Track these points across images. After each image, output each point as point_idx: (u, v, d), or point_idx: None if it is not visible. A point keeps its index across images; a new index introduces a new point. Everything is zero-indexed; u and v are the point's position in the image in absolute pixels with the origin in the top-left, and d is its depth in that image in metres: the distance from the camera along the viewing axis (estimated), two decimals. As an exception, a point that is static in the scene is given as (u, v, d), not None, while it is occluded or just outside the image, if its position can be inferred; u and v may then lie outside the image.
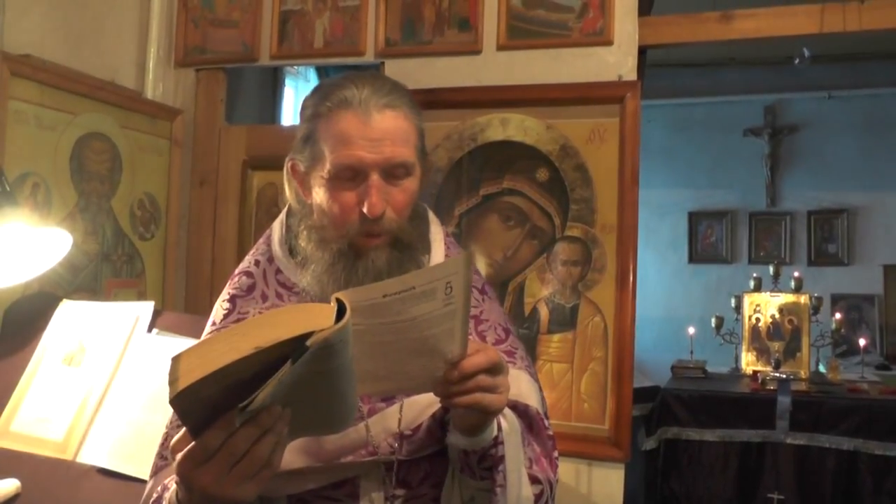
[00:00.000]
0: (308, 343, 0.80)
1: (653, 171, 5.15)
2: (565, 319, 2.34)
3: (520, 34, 2.42)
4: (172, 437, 1.07)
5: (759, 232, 6.04)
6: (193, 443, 0.86)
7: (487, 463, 1.07)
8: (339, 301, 0.86)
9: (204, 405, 0.82)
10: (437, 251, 1.26)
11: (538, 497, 1.15)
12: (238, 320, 1.22)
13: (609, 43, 2.34)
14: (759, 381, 3.86)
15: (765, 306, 4.35)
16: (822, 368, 4.26)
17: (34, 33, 2.29)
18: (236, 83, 3.06)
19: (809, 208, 5.90)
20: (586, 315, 2.32)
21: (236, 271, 1.31)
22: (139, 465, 1.57)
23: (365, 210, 1.10)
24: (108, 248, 2.45)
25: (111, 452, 1.62)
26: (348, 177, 1.12)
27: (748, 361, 4.33)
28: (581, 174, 2.35)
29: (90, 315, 1.86)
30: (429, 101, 2.30)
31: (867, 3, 2.18)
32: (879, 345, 5.52)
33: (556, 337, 2.34)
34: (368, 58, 2.57)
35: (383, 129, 1.11)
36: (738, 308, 4.45)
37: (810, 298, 4.30)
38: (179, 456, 0.87)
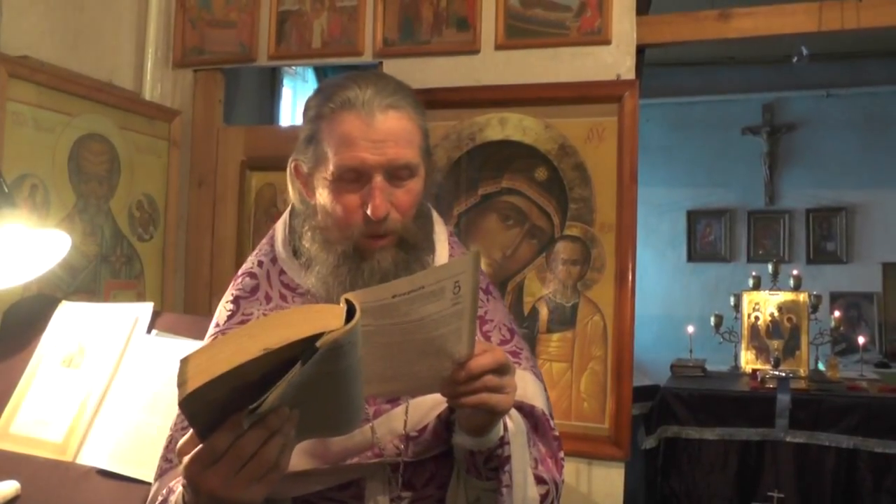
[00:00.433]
0: (318, 344, 0.80)
1: (651, 169, 5.14)
2: (565, 319, 2.34)
3: (518, 34, 2.42)
4: (177, 439, 1.07)
5: (758, 230, 6.04)
6: (201, 445, 0.85)
7: (493, 463, 1.07)
8: (348, 302, 0.85)
9: (212, 407, 0.82)
10: (442, 251, 1.26)
11: (544, 497, 1.15)
12: (242, 321, 1.21)
13: (607, 42, 2.35)
14: (759, 379, 3.86)
15: (764, 304, 4.35)
16: (821, 366, 4.26)
17: (32, 35, 2.29)
18: (234, 84, 3.05)
19: (808, 206, 5.89)
20: (586, 314, 2.32)
21: (239, 272, 1.30)
22: (139, 466, 1.57)
23: (368, 212, 1.10)
24: (107, 250, 2.44)
25: (111, 454, 1.62)
26: (352, 178, 1.11)
27: (747, 360, 4.33)
28: (580, 173, 2.35)
29: (89, 316, 1.86)
30: (427, 100, 2.27)
31: (865, 1, 2.18)
32: (878, 342, 5.52)
33: (555, 336, 2.34)
34: (366, 58, 2.57)
35: (386, 130, 1.10)
36: (738, 306, 4.45)
37: (809, 296, 4.30)
38: (187, 458, 0.87)
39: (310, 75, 3.98)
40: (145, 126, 2.59)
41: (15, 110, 2.09)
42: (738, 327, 4.41)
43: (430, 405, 1.14)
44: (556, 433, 1.24)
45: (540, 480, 1.15)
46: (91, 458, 1.64)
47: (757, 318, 4.35)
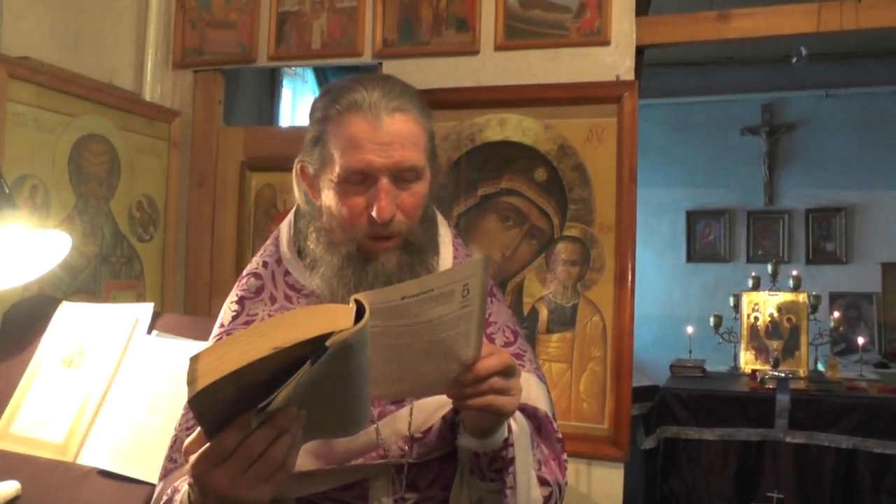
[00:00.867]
0: (328, 343, 0.80)
1: (651, 170, 5.15)
2: (564, 319, 2.34)
3: (517, 34, 2.42)
4: (182, 440, 1.07)
5: (758, 230, 6.05)
6: (209, 444, 0.85)
7: (497, 465, 1.08)
8: (357, 302, 0.86)
9: (221, 406, 0.82)
10: (446, 253, 1.26)
11: (547, 499, 1.15)
12: (247, 322, 1.21)
13: (606, 43, 2.35)
14: (758, 379, 3.87)
15: (763, 305, 4.36)
16: (820, 367, 4.26)
17: (32, 36, 2.29)
18: (234, 84, 3.06)
19: (807, 206, 5.90)
20: (585, 315, 2.32)
21: (244, 272, 1.30)
22: (139, 466, 1.57)
23: (374, 214, 1.10)
24: (107, 250, 2.45)
25: (111, 454, 1.62)
26: (357, 180, 1.12)
27: (747, 360, 4.33)
28: (579, 174, 2.35)
29: (90, 317, 1.86)
30: (427, 101, 2.28)
31: (864, 2, 2.19)
32: (878, 343, 5.53)
33: (555, 337, 2.34)
34: (366, 58, 2.57)
35: (393, 132, 1.11)
36: (737, 307, 4.45)
37: (809, 297, 4.30)
38: (194, 457, 0.87)
39: (309, 76, 3.99)
40: (145, 127, 2.59)
41: (15, 111, 2.09)
42: (738, 328, 4.42)
43: (434, 406, 1.14)
44: (559, 435, 1.24)
45: (543, 482, 1.15)
46: (91, 458, 1.64)
47: (756, 318, 4.35)
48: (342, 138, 1.12)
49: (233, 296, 1.28)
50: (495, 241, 2.42)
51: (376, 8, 2.54)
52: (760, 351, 4.31)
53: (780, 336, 4.26)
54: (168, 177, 2.70)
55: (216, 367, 0.78)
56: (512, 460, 1.07)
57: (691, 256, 6.19)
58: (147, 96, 2.71)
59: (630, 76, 2.33)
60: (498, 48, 2.44)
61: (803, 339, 4.21)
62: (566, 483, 1.22)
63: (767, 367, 4.11)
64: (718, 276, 5.97)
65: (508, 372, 1.00)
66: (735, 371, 4.35)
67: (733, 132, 6.04)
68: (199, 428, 0.88)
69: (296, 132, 2.69)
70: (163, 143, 2.67)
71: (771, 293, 4.39)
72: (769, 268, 4.53)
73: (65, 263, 1.94)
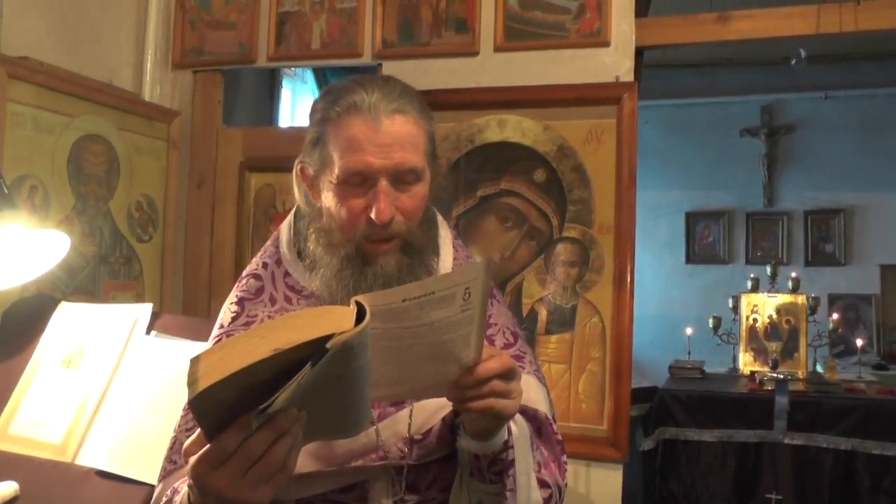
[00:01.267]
0: (328, 345, 0.80)
1: (650, 171, 5.14)
2: (563, 320, 2.34)
3: (517, 35, 2.42)
4: (181, 441, 1.06)
5: (757, 232, 6.05)
6: (209, 445, 0.85)
7: (497, 467, 1.08)
8: (358, 304, 0.86)
9: (221, 407, 0.82)
10: (446, 255, 1.26)
11: (547, 501, 1.15)
12: (246, 323, 1.21)
13: (606, 44, 2.35)
14: (757, 381, 3.87)
15: (762, 306, 4.36)
16: (819, 368, 4.27)
17: (31, 36, 2.29)
18: (233, 85, 3.06)
19: (806, 208, 5.90)
20: (584, 316, 2.32)
21: (244, 273, 1.30)
22: (138, 467, 1.57)
23: (373, 216, 1.10)
24: (106, 251, 2.44)
25: (110, 455, 1.61)
26: (357, 182, 1.12)
27: (746, 362, 4.33)
28: (578, 175, 2.35)
29: (88, 317, 1.86)
30: (426, 102, 2.29)
31: (863, 4, 2.19)
32: (877, 344, 5.53)
33: (554, 338, 2.34)
34: (366, 59, 2.57)
35: (392, 134, 1.11)
36: (736, 308, 4.45)
37: (807, 298, 4.30)
38: (193, 459, 0.87)
39: (309, 76, 3.99)
40: (145, 127, 2.59)
41: (14, 111, 2.09)
42: (737, 329, 4.42)
43: (434, 408, 1.14)
44: (559, 437, 1.24)
45: (543, 484, 1.15)
46: (90, 458, 1.63)
47: (755, 319, 4.35)
48: (342, 140, 1.12)
49: (232, 297, 1.28)
50: (494, 242, 2.41)
51: (376, 9, 2.54)
52: (759, 352, 4.31)
53: (779, 338, 4.26)
54: (167, 177, 2.69)
55: (217, 368, 0.78)
56: (512, 462, 1.07)
57: (690, 258, 6.19)
58: (146, 96, 2.70)
59: (629, 77, 2.33)
60: (497, 49, 2.44)
61: (802, 341, 4.21)
62: (566, 485, 1.22)
63: (766, 369, 4.11)
64: (717, 278, 5.97)
65: (509, 375, 1.00)
66: (734, 372, 4.35)
67: (732, 134, 6.04)
68: (198, 429, 0.88)
69: (295, 133, 2.69)
70: (162, 143, 2.67)
71: (770, 295, 4.39)
72: (768, 269, 4.53)
73: (64, 264, 1.94)
